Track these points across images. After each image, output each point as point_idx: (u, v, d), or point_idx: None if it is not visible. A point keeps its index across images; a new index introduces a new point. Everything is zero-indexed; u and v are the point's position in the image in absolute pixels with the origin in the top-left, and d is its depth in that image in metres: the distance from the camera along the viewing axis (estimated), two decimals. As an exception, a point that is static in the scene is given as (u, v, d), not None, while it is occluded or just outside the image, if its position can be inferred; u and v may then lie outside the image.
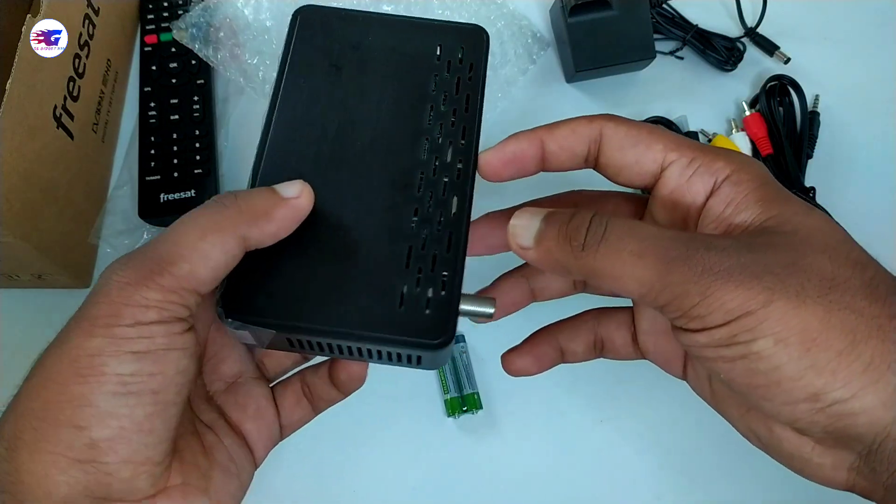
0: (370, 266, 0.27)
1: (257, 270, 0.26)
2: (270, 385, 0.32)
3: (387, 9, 0.52)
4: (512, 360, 0.32)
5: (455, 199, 0.28)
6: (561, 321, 0.33)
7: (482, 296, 0.28)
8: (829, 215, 0.45)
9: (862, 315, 0.21)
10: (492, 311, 0.27)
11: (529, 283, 0.33)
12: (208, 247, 0.23)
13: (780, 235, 0.23)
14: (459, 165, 0.28)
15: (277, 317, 0.26)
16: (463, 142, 0.29)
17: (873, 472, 0.22)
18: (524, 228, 0.26)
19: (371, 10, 0.32)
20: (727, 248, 0.22)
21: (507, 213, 0.29)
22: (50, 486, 0.22)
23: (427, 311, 0.26)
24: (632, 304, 0.32)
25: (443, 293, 0.26)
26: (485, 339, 0.46)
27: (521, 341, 0.33)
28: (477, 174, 0.29)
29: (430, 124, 0.29)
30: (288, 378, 0.33)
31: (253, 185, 0.28)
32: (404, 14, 0.32)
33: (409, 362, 0.28)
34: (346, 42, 0.31)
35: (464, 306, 0.27)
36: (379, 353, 0.27)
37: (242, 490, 0.29)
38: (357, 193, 0.28)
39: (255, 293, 0.26)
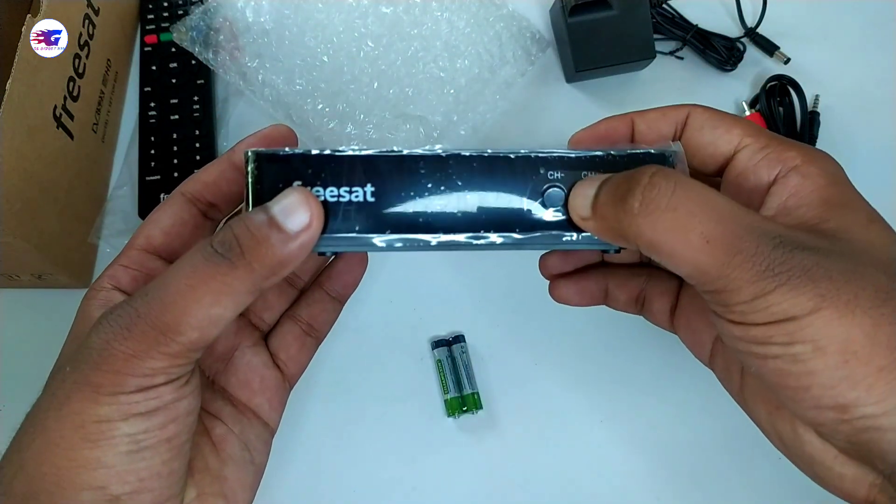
0: None
1: None
2: (266, 334, 0.32)
3: (385, 11, 0.52)
4: (558, 287, 0.32)
5: None
6: (616, 265, 0.33)
7: None
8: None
9: None
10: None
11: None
12: (220, 311, 0.22)
13: (839, 242, 0.23)
14: None
15: None
16: None
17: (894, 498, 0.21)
18: (583, 197, 0.24)
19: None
20: (795, 247, 0.21)
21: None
22: None
23: None
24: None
25: None
26: (485, 339, 0.46)
27: (572, 269, 0.32)
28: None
29: None
30: (282, 325, 0.33)
31: None
32: None
33: None
34: None
35: None
36: None
37: (259, 473, 0.29)
38: None
39: None
